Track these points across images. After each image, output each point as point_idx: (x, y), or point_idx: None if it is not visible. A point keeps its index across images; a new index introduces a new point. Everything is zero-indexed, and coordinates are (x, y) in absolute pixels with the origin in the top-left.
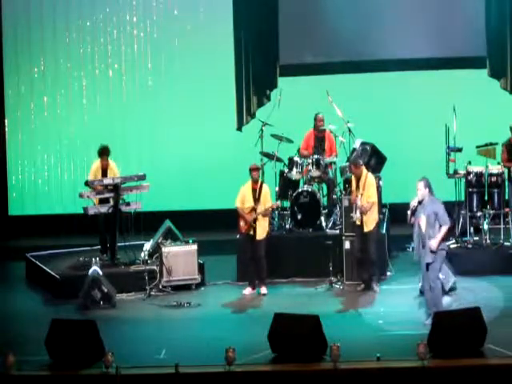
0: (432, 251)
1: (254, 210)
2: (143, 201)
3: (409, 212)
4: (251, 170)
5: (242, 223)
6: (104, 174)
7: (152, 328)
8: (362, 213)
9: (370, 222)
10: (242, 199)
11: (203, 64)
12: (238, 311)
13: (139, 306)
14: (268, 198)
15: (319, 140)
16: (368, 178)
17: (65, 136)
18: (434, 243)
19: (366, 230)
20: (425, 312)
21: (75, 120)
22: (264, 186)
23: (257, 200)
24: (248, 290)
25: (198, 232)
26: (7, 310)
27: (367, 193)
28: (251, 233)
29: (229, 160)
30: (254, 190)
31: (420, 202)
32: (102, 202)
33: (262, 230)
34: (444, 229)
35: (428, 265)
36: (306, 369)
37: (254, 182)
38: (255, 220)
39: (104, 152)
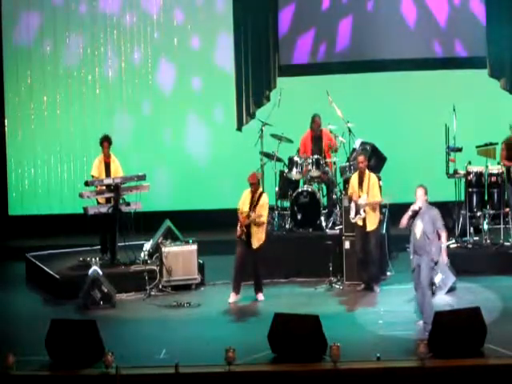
0: (431, 261)
1: (248, 216)
2: (143, 201)
3: (406, 216)
4: (249, 182)
5: (238, 226)
6: (107, 167)
7: (152, 328)
8: (372, 210)
9: (372, 222)
10: (242, 202)
11: (203, 64)
12: (238, 311)
13: (139, 306)
14: (262, 209)
15: (316, 139)
16: (372, 177)
17: (65, 136)
18: (445, 256)
19: (369, 228)
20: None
21: (75, 120)
22: (263, 195)
23: (253, 207)
24: (233, 297)
25: (197, 232)
26: (7, 309)
27: (372, 192)
28: (244, 238)
29: (229, 160)
30: (252, 197)
31: (416, 213)
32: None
33: (256, 240)
34: (444, 235)
35: (422, 274)
36: (306, 369)
37: (253, 191)
38: (248, 226)
39: (105, 140)
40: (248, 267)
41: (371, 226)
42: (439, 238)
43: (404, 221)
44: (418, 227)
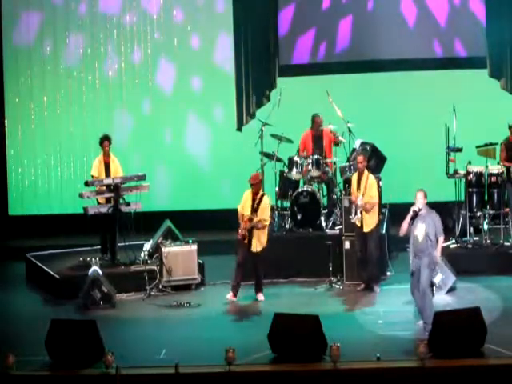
0: (431, 262)
1: (250, 219)
2: (143, 201)
3: (405, 221)
4: (250, 184)
5: (239, 229)
6: (106, 167)
7: (152, 328)
8: (365, 211)
9: (371, 223)
10: (243, 205)
11: (203, 64)
12: (238, 311)
13: (139, 306)
14: (265, 212)
15: (317, 139)
16: (370, 178)
17: (65, 136)
18: (438, 256)
19: (366, 230)
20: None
21: (75, 120)
22: (264, 198)
23: (255, 210)
24: (230, 296)
25: (197, 232)
26: (7, 310)
27: (369, 192)
28: (245, 242)
29: (229, 160)
30: (253, 199)
31: (416, 214)
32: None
33: (258, 243)
34: (441, 239)
35: (422, 274)
36: (306, 369)
37: (254, 192)
38: (250, 230)
39: (105, 140)
40: (249, 268)
41: (367, 227)
42: (437, 240)
43: (404, 225)
44: (420, 229)
